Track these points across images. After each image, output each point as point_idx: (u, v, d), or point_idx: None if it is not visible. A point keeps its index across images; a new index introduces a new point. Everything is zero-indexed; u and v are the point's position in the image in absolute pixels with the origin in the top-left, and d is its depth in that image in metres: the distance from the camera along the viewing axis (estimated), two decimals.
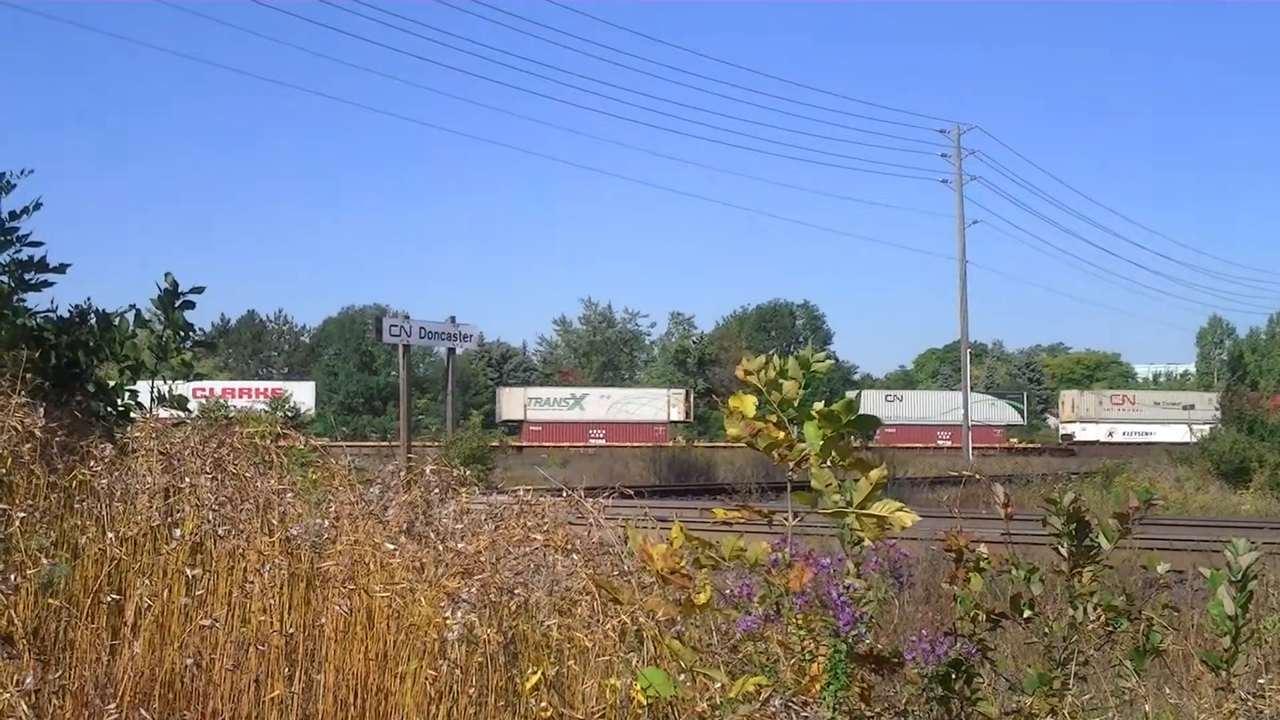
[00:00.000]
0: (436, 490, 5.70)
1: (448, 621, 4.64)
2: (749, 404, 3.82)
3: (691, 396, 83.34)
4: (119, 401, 7.41)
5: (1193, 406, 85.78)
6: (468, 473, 6.03)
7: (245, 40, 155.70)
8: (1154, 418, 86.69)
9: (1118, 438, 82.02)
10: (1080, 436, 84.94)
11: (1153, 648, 4.53)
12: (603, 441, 74.07)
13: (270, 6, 76.14)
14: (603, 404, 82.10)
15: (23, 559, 4.85)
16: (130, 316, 7.62)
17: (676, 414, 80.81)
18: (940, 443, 79.39)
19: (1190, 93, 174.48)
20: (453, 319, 33.02)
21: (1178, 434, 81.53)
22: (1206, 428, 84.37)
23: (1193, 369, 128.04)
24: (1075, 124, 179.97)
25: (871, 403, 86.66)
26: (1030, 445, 77.42)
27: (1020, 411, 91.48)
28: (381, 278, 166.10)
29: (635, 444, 61.05)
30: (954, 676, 4.03)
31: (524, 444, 71.97)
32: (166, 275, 7.72)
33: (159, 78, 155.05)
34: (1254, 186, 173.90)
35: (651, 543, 3.97)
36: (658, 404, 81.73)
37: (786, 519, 3.91)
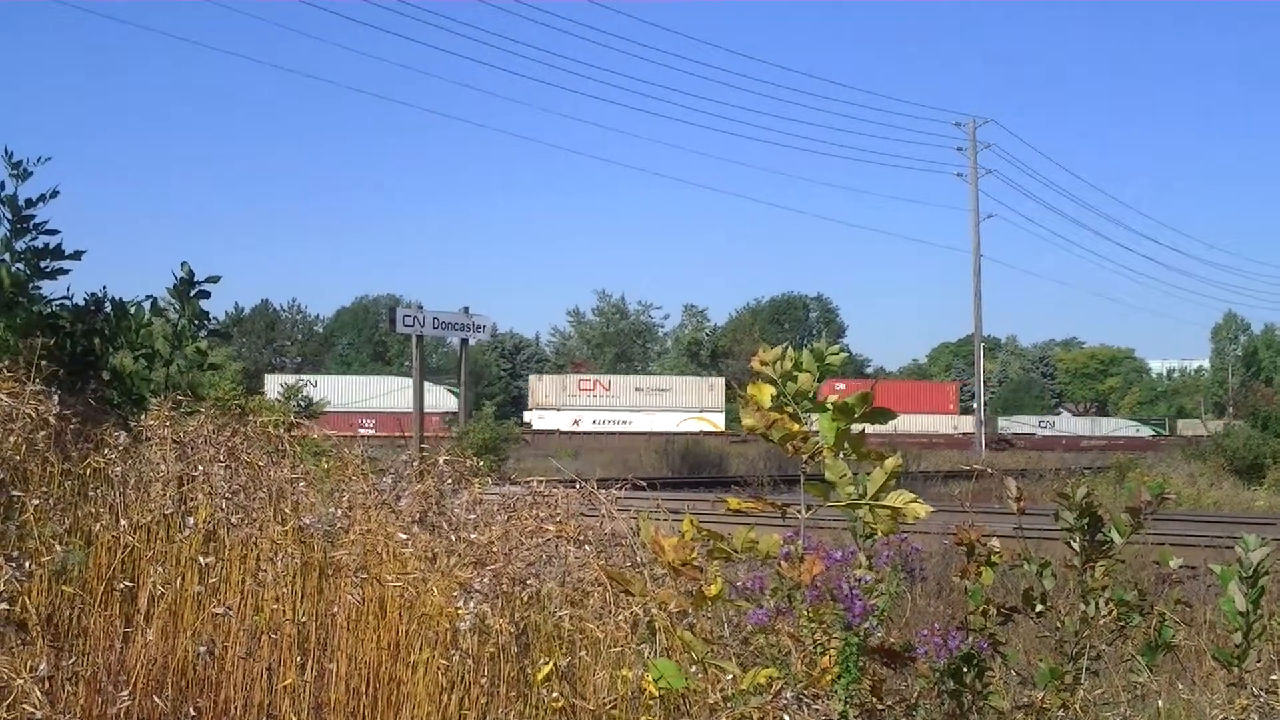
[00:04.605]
0: (449, 480, 5.71)
1: (460, 611, 4.64)
2: (765, 393, 3.82)
3: None
4: (133, 389, 7.43)
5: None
6: (481, 463, 6.03)
7: (252, 27, 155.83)
8: (633, 404, 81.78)
9: (585, 426, 76.06)
10: (538, 425, 77.09)
11: (1165, 643, 4.52)
12: None
13: None
14: None
15: (37, 546, 4.87)
16: (146, 305, 7.64)
17: None
18: (362, 431, 71.98)
19: (1206, 89, 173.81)
20: (466, 310, 32.99)
21: (666, 423, 77.68)
22: (721, 416, 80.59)
23: (1207, 364, 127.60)
24: (1091, 119, 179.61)
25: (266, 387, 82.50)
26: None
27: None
28: (395, 268, 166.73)
29: None
30: (965, 671, 4.02)
31: None
32: (183, 264, 7.75)
33: (173, 69, 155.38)
34: (1270, 183, 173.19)
35: (663, 535, 3.97)
36: None
37: (799, 511, 3.90)
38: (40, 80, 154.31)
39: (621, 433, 71.71)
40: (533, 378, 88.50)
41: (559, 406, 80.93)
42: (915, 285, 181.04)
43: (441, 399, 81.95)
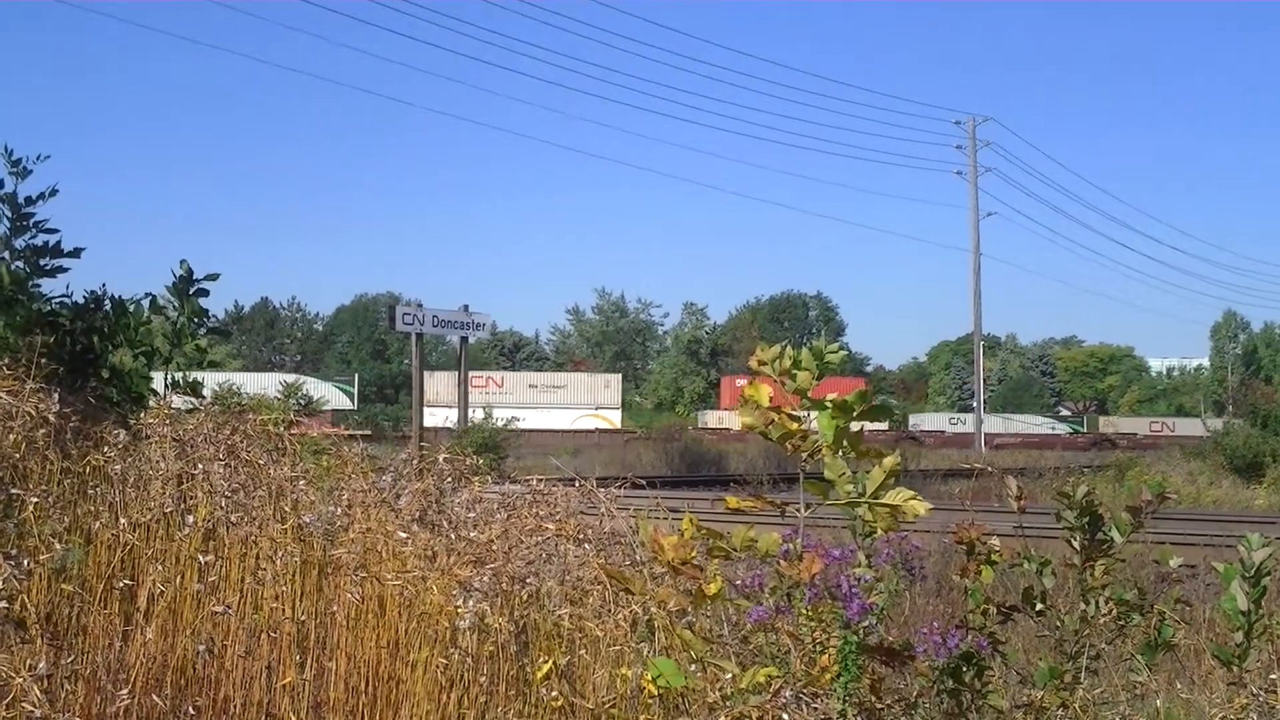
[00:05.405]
0: (449, 479, 5.71)
1: (459, 610, 4.64)
2: (763, 392, 3.81)
3: None
4: (133, 387, 7.42)
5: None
6: (480, 461, 6.03)
7: (253, 27, 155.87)
8: (528, 402, 79.11)
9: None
10: (429, 421, 73.42)
11: (1164, 642, 4.51)
12: None
13: None
14: None
15: (36, 544, 4.87)
16: (145, 303, 7.63)
17: None
18: None
19: (1205, 86, 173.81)
20: (466, 308, 32.91)
21: (561, 420, 76.49)
22: (613, 415, 79.62)
23: (1207, 363, 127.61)
24: (1091, 117, 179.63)
25: None
26: (367, 435, 61.09)
27: (350, 395, 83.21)
28: (395, 266, 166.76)
29: None
30: (965, 669, 4.02)
31: None
32: (182, 262, 7.73)
33: (173, 68, 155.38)
34: (1270, 182, 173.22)
35: (663, 533, 3.96)
36: None
37: (798, 509, 3.90)
38: (40, 80, 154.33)
39: (514, 430, 71.61)
40: (425, 374, 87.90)
41: (451, 403, 79.46)
42: (915, 283, 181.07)
43: (326, 394, 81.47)
